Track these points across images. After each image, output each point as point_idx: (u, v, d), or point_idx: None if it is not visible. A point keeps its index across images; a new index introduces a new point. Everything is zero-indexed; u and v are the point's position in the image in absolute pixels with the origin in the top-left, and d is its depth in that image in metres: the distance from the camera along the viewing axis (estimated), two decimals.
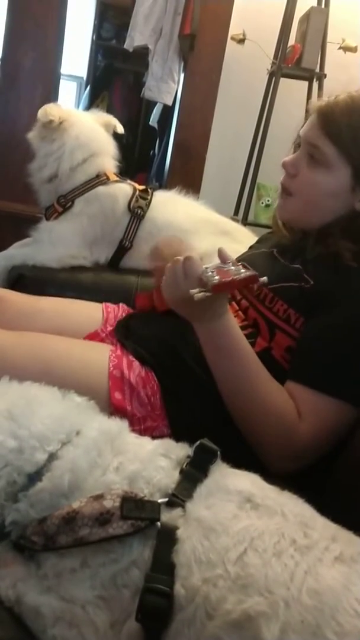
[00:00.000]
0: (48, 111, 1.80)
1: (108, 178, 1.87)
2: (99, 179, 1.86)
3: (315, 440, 0.97)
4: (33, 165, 1.89)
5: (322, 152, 1.05)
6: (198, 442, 0.77)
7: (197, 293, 0.92)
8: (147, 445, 0.78)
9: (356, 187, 1.06)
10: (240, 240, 1.80)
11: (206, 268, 0.95)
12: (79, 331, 1.28)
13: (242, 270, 0.94)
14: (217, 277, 0.92)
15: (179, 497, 0.68)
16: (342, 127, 1.03)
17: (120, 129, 2.03)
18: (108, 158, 1.94)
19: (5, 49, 2.76)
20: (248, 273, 0.94)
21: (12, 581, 0.67)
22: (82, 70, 4.09)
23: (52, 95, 2.81)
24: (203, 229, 1.83)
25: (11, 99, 2.73)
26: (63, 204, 1.85)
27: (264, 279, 0.98)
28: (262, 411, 0.98)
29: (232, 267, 0.95)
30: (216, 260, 1.01)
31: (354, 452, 0.97)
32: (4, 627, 0.65)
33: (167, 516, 0.66)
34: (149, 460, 0.73)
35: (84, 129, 1.88)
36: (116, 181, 1.89)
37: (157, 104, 3.29)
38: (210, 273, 0.93)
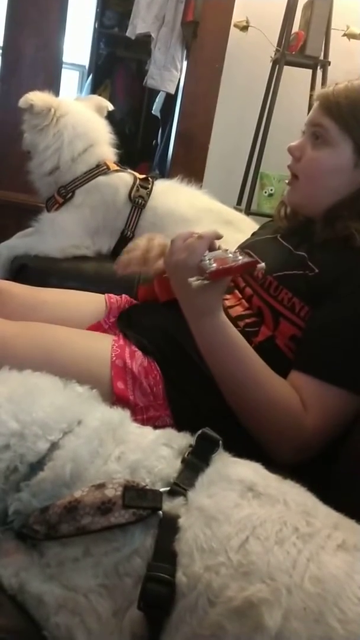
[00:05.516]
0: (30, 97, 1.77)
1: (108, 167, 1.86)
2: (99, 169, 1.85)
3: (322, 430, 0.97)
4: (33, 162, 1.87)
5: (324, 128, 1.08)
6: (200, 431, 0.77)
7: (194, 281, 0.93)
8: (148, 434, 0.78)
9: (359, 163, 1.07)
10: (244, 229, 1.79)
11: (204, 256, 0.95)
12: (81, 323, 1.27)
13: (240, 257, 0.95)
14: (214, 265, 0.93)
15: (180, 486, 0.68)
16: (341, 104, 1.07)
17: (111, 106, 2.02)
18: (107, 146, 1.92)
19: (6, 36, 2.74)
20: (246, 259, 0.94)
21: (15, 570, 0.67)
22: (85, 59, 4.06)
23: (54, 83, 2.78)
24: (206, 218, 1.82)
25: (12, 87, 2.70)
26: (64, 194, 1.84)
27: (262, 265, 0.98)
28: (267, 407, 0.97)
29: (230, 255, 0.96)
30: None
31: (356, 440, 0.97)
32: (7, 615, 0.65)
33: (169, 505, 0.66)
34: (151, 450, 0.73)
35: (79, 117, 1.86)
36: (116, 170, 1.88)
37: (160, 93, 3.26)
38: (208, 261, 0.94)
